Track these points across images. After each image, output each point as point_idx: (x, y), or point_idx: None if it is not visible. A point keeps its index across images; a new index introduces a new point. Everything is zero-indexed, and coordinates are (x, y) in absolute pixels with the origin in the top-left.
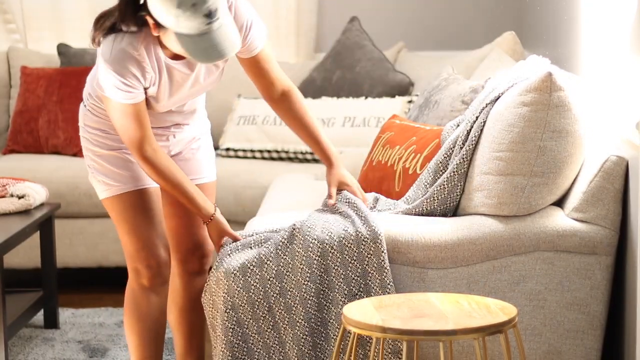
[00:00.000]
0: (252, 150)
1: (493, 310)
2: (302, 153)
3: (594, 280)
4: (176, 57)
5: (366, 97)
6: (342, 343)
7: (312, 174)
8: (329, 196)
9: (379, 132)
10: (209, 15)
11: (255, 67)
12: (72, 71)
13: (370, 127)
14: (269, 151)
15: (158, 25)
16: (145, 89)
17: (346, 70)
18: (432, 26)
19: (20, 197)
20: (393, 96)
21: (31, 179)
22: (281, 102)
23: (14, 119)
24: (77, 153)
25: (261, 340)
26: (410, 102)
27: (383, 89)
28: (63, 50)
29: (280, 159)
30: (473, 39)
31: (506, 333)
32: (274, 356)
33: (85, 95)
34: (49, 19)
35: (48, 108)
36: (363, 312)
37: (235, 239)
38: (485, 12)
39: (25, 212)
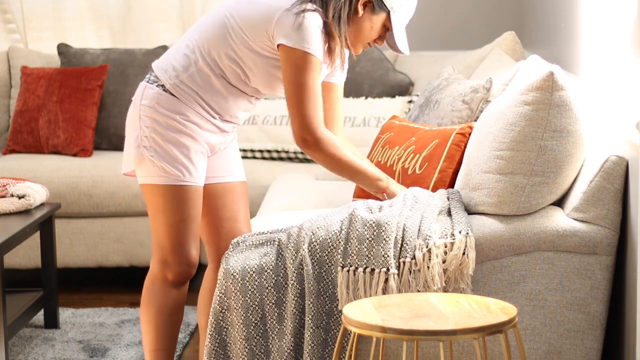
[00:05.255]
0: (252, 150)
1: (493, 310)
2: (302, 153)
3: (594, 280)
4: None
5: (366, 97)
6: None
7: (312, 174)
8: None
9: (379, 133)
10: None
11: (333, 94)
12: (72, 71)
13: (370, 127)
14: (269, 151)
15: (373, 5)
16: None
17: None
18: (432, 26)
19: (20, 197)
20: (393, 96)
21: (31, 179)
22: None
23: (14, 119)
24: (77, 153)
25: (248, 347)
26: (410, 102)
27: (383, 89)
28: (63, 50)
29: (280, 159)
30: (473, 39)
31: (506, 333)
32: None
33: (165, 74)
34: (49, 19)
35: (48, 108)
36: (363, 312)
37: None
38: (485, 12)
39: (26, 212)
